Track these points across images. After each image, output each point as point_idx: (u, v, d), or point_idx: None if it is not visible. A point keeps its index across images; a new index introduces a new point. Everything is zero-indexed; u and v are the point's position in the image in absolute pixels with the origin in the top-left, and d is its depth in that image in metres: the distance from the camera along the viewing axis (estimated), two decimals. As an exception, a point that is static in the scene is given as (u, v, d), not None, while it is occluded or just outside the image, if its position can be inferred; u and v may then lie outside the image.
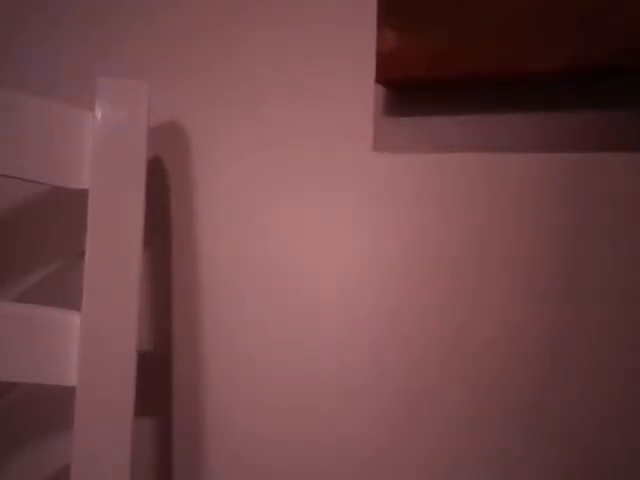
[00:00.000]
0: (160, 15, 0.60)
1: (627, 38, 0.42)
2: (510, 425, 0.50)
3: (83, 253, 0.52)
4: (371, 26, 0.52)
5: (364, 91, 0.53)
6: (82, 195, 0.52)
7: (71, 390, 0.51)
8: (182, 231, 0.60)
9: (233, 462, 0.59)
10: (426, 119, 0.51)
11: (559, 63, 0.44)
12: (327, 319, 0.55)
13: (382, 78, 0.49)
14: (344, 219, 0.54)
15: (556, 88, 0.47)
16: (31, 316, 0.53)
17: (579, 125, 0.47)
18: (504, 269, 0.49)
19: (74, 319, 0.52)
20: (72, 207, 0.62)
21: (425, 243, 0.52)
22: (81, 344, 0.51)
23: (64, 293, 0.63)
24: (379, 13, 0.48)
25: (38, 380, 0.52)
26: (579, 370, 0.48)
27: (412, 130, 0.52)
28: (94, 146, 0.52)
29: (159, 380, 0.61)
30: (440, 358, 0.51)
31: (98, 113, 0.52)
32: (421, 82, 0.49)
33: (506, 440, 0.50)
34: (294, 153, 0.56)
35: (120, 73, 0.61)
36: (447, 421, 0.51)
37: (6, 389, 0.66)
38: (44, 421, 0.66)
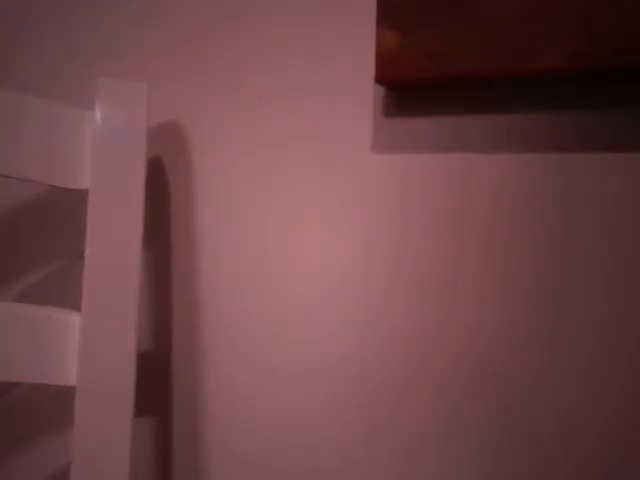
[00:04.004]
0: (160, 15, 0.60)
1: (628, 37, 0.42)
2: (509, 424, 0.50)
3: (83, 253, 0.52)
4: (371, 27, 0.52)
5: (363, 92, 0.53)
6: (82, 195, 0.52)
7: (71, 390, 0.52)
8: (182, 231, 0.60)
9: (233, 462, 0.59)
10: (425, 120, 0.51)
11: (559, 62, 0.44)
12: (327, 319, 0.55)
13: (382, 79, 0.48)
14: (343, 219, 0.54)
15: (556, 88, 0.47)
16: (31, 316, 0.53)
17: (580, 125, 0.47)
18: (505, 269, 0.49)
19: (74, 319, 0.52)
20: (72, 207, 0.63)
21: (424, 243, 0.52)
22: (81, 344, 0.51)
23: (64, 293, 0.63)
24: (379, 14, 0.48)
25: (38, 380, 0.52)
26: (578, 369, 0.48)
27: (411, 131, 0.52)
28: (94, 146, 0.52)
29: (159, 380, 0.61)
30: (442, 358, 0.51)
31: (98, 113, 0.52)
32: (421, 83, 0.49)
33: (504, 438, 0.50)
34: (293, 153, 0.56)
35: (120, 73, 0.61)
36: (447, 421, 0.51)
37: (6, 389, 0.67)
38: (44, 421, 0.66)
